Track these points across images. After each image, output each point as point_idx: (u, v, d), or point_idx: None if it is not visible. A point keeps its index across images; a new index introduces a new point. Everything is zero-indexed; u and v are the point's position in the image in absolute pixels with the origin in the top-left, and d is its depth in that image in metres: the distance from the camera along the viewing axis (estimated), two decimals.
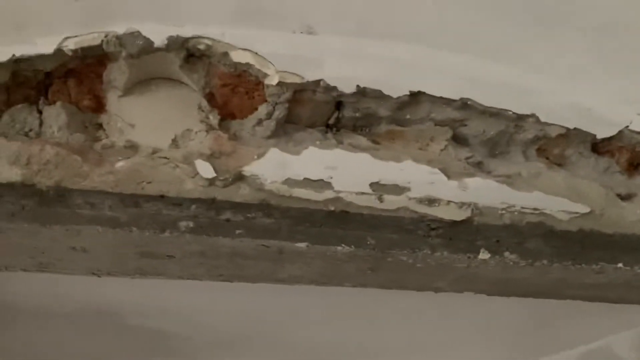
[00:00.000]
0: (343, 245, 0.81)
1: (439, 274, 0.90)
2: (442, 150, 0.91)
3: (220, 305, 1.41)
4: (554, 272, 0.90)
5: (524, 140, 0.93)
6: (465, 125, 0.91)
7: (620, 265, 0.90)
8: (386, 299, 1.17)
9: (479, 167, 0.91)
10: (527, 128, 0.92)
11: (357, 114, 0.87)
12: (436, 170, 0.86)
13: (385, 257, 0.84)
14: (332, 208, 0.82)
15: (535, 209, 0.88)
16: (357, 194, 0.82)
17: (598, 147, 0.98)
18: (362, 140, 0.88)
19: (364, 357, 1.64)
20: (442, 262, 0.85)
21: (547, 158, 0.97)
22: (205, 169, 0.77)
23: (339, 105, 0.87)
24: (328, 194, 0.81)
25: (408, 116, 0.89)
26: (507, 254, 0.86)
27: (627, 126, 0.95)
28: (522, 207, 0.88)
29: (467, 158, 0.91)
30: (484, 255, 0.85)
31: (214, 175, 0.77)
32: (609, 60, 0.91)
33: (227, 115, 0.85)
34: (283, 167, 0.80)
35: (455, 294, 1.03)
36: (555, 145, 0.96)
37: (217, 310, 1.42)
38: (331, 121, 0.89)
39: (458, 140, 0.93)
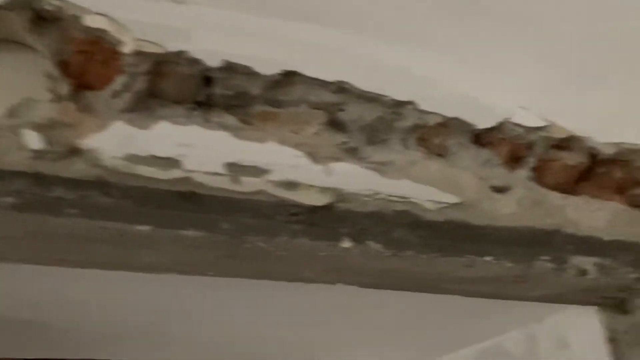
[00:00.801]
0: (193, 229, 0.75)
1: (304, 263, 0.85)
2: (314, 134, 0.87)
3: (103, 296, 1.33)
4: (423, 264, 0.87)
5: (403, 128, 0.90)
6: (344, 110, 0.88)
7: (489, 258, 0.88)
8: (276, 292, 1.12)
9: (352, 153, 0.87)
10: (406, 115, 0.89)
11: (229, 92, 0.81)
12: (300, 153, 0.81)
13: (241, 243, 0.78)
14: (180, 188, 0.75)
15: (402, 197, 0.85)
16: (209, 174, 0.76)
17: (480, 138, 0.96)
18: (232, 120, 0.82)
19: (256, 352, 1.60)
20: (303, 249, 0.80)
21: (428, 148, 0.94)
22: (33, 140, 0.69)
23: (209, 81, 0.81)
24: (176, 173, 0.74)
25: (282, 97, 0.84)
26: (371, 243, 0.82)
27: (508, 118, 0.94)
28: (389, 195, 0.84)
29: (342, 143, 0.87)
30: (346, 243, 0.81)
31: (43, 147, 0.70)
32: (498, 50, 0.89)
33: (84, 85, 0.78)
34: (128, 141, 0.73)
35: (332, 286, 0.98)
36: (435, 135, 0.93)
37: (99, 301, 1.34)
38: (200, 98, 0.83)
39: (336, 125, 0.89)
